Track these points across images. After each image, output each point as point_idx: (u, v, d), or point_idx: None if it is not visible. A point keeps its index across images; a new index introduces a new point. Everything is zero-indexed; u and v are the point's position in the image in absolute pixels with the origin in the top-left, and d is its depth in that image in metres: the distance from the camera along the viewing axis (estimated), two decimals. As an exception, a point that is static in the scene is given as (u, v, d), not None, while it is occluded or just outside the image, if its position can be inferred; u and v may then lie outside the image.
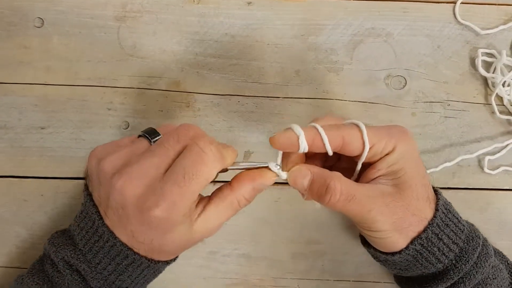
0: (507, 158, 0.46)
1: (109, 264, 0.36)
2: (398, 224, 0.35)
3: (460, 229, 0.37)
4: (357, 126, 0.35)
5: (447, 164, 0.46)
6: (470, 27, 0.47)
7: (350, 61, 0.47)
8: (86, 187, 0.37)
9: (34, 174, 0.46)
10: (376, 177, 0.36)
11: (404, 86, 0.47)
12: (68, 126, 0.46)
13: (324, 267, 0.46)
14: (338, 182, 0.34)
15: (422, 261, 0.36)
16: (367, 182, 0.36)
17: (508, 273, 0.39)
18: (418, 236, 0.35)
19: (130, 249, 0.35)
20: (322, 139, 0.34)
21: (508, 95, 0.46)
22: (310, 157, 0.38)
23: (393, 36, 0.47)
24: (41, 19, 0.47)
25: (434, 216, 0.36)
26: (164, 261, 0.37)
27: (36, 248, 0.46)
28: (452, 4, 0.47)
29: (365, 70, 0.47)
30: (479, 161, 0.46)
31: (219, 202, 0.36)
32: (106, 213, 0.35)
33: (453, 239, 0.36)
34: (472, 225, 0.39)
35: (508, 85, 0.46)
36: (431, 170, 0.46)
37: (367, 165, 0.37)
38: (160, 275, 0.40)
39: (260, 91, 0.47)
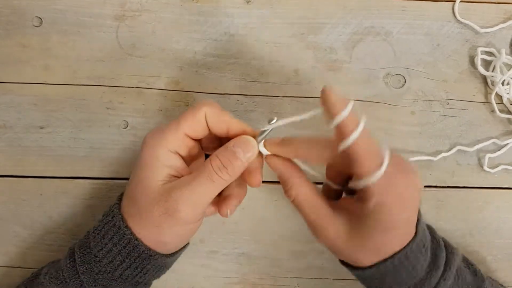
0: (506, 156, 0.46)
1: (97, 230, 0.37)
2: (332, 251, 0.36)
3: (412, 275, 0.35)
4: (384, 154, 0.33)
5: (445, 154, 0.46)
6: (470, 26, 0.47)
7: (349, 59, 0.47)
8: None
9: (33, 173, 0.46)
10: (345, 207, 0.36)
11: (403, 85, 0.47)
12: (67, 125, 0.46)
13: (324, 265, 0.46)
14: (294, 190, 0.36)
15: (365, 283, 0.38)
16: (339, 204, 0.36)
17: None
18: (355, 267, 0.36)
19: (133, 234, 0.36)
20: (352, 131, 0.32)
21: (508, 93, 0.46)
22: (332, 173, 0.38)
23: (392, 34, 0.47)
24: (40, 18, 0.47)
25: (380, 262, 0.34)
26: (145, 245, 0.36)
27: (35, 247, 0.46)
28: (452, 3, 0.47)
29: (364, 68, 0.47)
30: (479, 159, 0.46)
31: (195, 171, 0.35)
32: (128, 190, 0.37)
33: (399, 281, 0.36)
34: (437, 267, 0.36)
35: (508, 84, 0.46)
36: (428, 158, 0.46)
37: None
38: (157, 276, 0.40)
39: (259, 90, 0.47)
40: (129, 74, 0.47)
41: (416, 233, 0.35)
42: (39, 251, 0.46)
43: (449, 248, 0.38)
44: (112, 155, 0.46)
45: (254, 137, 0.36)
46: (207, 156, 0.40)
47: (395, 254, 0.34)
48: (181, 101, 0.47)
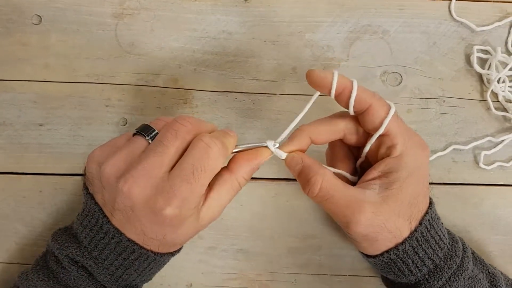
0: (502, 153, 0.47)
1: (116, 260, 0.36)
2: (371, 236, 0.35)
3: (440, 247, 0.37)
4: (389, 107, 0.36)
5: (440, 153, 0.46)
6: (466, 24, 0.47)
7: (346, 57, 0.47)
8: (86, 187, 0.37)
9: (32, 170, 0.46)
10: (371, 179, 0.36)
11: (400, 83, 0.47)
12: (66, 122, 0.47)
13: (321, 261, 0.46)
14: (320, 178, 0.35)
15: (395, 269, 0.37)
16: (363, 182, 0.37)
17: (488, 282, 0.39)
18: (388, 250, 0.36)
19: (136, 244, 0.35)
20: (351, 92, 0.35)
21: (503, 91, 0.46)
22: (336, 159, 0.40)
23: (389, 33, 0.47)
24: (39, 16, 0.47)
25: (415, 230, 0.36)
26: (170, 253, 0.38)
27: (35, 244, 0.46)
28: (448, 1, 0.48)
29: (361, 66, 0.47)
30: (475, 156, 0.47)
31: (220, 187, 0.36)
32: (113, 214, 0.35)
33: (430, 255, 0.36)
34: (457, 241, 0.39)
35: (503, 82, 0.46)
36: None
37: (368, 166, 0.37)
38: (159, 270, 0.41)
39: (257, 88, 0.47)
40: (128, 72, 0.47)
41: (430, 199, 0.38)
42: (38, 247, 0.46)
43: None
44: (111, 152, 0.47)
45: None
46: None
47: (424, 215, 0.36)
48: (180, 99, 0.47)
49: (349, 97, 0.35)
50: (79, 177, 0.47)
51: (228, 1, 0.47)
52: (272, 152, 0.37)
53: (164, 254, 0.37)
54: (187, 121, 0.35)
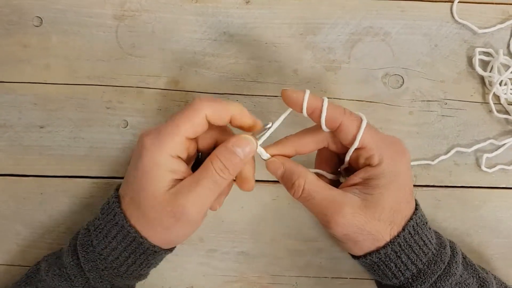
0: (504, 156, 0.47)
1: (99, 222, 0.38)
2: (351, 236, 0.36)
3: (424, 252, 0.37)
4: (360, 121, 0.36)
5: (444, 157, 0.46)
6: (468, 26, 0.47)
7: (348, 60, 0.47)
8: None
9: (33, 172, 0.46)
10: (353, 184, 0.37)
11: (401, 85, 0.47)
12: (67, 124, 0.47)
13: (322, 264, 0.46)
14: (303, 181, 0.37)
15: (378, 272, 0.38)
16: (345, 187, 0.37)
17: (478, 287, 0.39)
18: (370, 253, 0.37)
19: (119, 203, 0.37)
20: (321, 111, 0.36)
21: (505, 94, 0.46)
22: (322, 162, 0.41)
23: (390, 35, 0.47)
24: (40, 18, 0.47)
25: (398, 236, 0.36)
26: (150, 243, 0.37)
27: (36, 246, 0.46)
28: (450, 3, 0.47)
29: (362, 69, 0.47)
30: (477, 159, 0.47)
31: (196, 171, 0.36)
32: (131, 194, 0.37)
33: (413, 260, 0.36)
34: (445, 246, 0.38)
35: (505, 84, 0.46)
36: (427, 162, 0.46)
37: (353, 170, 0.38)
38: (160, 272, 0.41)
39: (258, 90, 0.47)
40: (129, 73, 0.47)
41: (416, 205, 0.38)
42: (39, 249, 0.46)
43: (448, 239, 0.40)
44: (112, 154, 0.47)
45: (252, 127, 0.38)
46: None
47: (408, 221, 0.37)
48: (181, 101, 0.47)
49: (320, 117, 0.36)
50: (80, 179, 0.47)
51: (229, 3, 0.47)
52: (253, 143, 0.37)
53: (142, 237, 0.36)
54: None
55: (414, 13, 0.47)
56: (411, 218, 0.37)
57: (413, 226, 0.37)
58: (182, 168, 0.36)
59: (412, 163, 0.46)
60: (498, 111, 0.46)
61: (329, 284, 0.46)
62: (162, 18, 0.47)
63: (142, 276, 0.40)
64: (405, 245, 0.36)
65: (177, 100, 0.47)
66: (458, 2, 0.47)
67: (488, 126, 0.47)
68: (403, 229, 0.36)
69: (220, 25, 0.47)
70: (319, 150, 0.41)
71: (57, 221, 0.46)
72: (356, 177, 0.37)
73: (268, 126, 0.37)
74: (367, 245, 0.37)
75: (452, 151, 0.46)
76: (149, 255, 0.38)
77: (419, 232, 0.37)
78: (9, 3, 0.47)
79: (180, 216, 0.35)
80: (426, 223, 0.38)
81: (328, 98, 0.46)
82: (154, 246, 0.37)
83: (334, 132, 0.37)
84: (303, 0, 0.47)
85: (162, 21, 0.47)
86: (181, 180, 0.36)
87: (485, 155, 0.46)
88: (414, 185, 0.46)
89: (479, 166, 0.47)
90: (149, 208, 0.36)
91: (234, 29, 0.47)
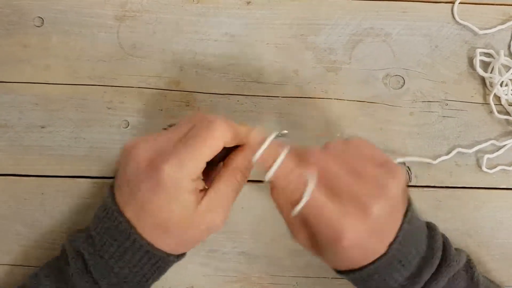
0: (505, 157, 0.47)
1: (111, 246, 0.36)
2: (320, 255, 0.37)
3: (407, 269, 0.35)
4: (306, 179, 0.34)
5: (445, 157, 0.46)
6: (468, 27, 0.47)
7: (348, 60, 0.47)
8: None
9: (34, 172, 0.46)
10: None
11: (402, 86, 0.47)
12: (68, 125, 0.47)
13: (322, 264, 0.46)
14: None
15: (360, 286, 0.37)
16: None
17: None
18: (351, 271, 0.36)
19: (132, 227, 0.35)
20: (271, 166, 0.35)
21: (506, 95, 0.46)
22: None
23: (391, 36, 0.47)
24: (41, 18, 0.47)
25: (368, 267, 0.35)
26: (164, 252, 0.37)
27: (37, 246, 0.46)
28: (451, 4, 0.47)
29: (363, 69, 0.47)
30: (477, 160, 0.47)
31: (216, 182, 0.36)
32: (120, 187, 0.36)
33: (395, 277, 0.35)
34: (432, 256, 0.36)
35: (506, 85, 0.46)
36: (428, 160, 0.46)
37: None
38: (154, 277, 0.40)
39: (259, 91, 0.47)
40: (130, 74, 0.47)
41: (386, 251, 0.34)
42: (40, 249, 0.46)
43: (448, 260, 0.36)
44: (112, 154, 0.47)
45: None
46: None
47: (363, 267, 0.35)
48: (182, 101, 0.47)
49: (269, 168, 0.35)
50: (81, 179, 0.47)
51: (230, 4, 0.47)
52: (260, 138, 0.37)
53: (157, 249, 0.36)
54: (206, 113, 0.37)
55: (415, 14, 0.47)
56: (397, 235, 0.35)
57: (400, 242, 0.35)
58: (200, 184, 0.36)
59: (413, 160, 0.46)
60: (499, 112, 0.46)
61: (329, 285, 0.46)
62: (163, 18, 0.47)
63: (151, 284, 0.40)
64: (364, 280, 0.36)
65: (178, 101, 0.47)
66: (459, 3, 0.47)
67: (489, 127, 0.47)
68: (355, 271, 0.35)
69: (221, 25, 0.47)
70: None
71: (58, 221, 0.46)
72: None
73: (284, 132, 0.38)
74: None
75: (453, 152, 0.46)
76: (166, 265, 0.38)
77: (403, 248, 0.35)
78: (10, 3, 0.47)
79: (213, 230, 0.36)
80: (412, 237, 0.36)
81: (329, 99, 0.47)
82: (169, 255, 0.37)
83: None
84: (304, 1, 0.47)
85: (163, 21, 0.47)
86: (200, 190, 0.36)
87: (486, 156, 0.46)
88: (415, 186, 0.47)
89: (479, 167, 0.47)
90: (183, 231, 0.36)
91: (235, 29, 0.47)
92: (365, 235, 0.33)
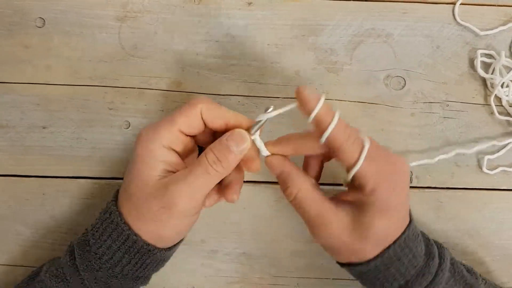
0: (505, 158, 0.47)
1: (97, 230, 0.38)
2: (335, 249, 0.37)
3: (413, 265, 0.36)
4: (361, 148, 0.35)
5: (443, 156, 0.46)
6: (470, 28, 0.47)
7: (350, 61, 0.47)
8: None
9: (35, 173, 0.46)
10: (345, 200, 0.37)
11: (403, 87, 0.47)
12: (69, 125, 0.47)
13: (324, 265, 0.46)
14: (296, 191, 0.36)
15: (365, 281, 0.38)
16: (338, 199, 0.37)
17: None
18: (355, 265, 0.37)
19: (117, 210, 0.37)
20: (328, 124, 0.34)
21: (507, 96, 0.46)
22: (307, 168, 0.40)
23: (393, 36, 0.47)
24: (42, 18, 0.47)
25: (381, 255, 0.36)
26: (144, 241, 0.36)
27: (38, 246, 0.46)
28: (452, 5, 0.47)
29: (364, 70, 0.47)
30: (478, 161, 0.47)
31: (190, 165, 0.36)
32: (121, 191, 0.37)
33: (402, 272, 0.36)
34: (433, 258, 0.38)
35: (507, 86, 0.46)
36: (426, 161, 0.46)
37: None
38: (162, 273, 0.40)
39: (260, 91, 0.47)
40: (131, 74, 0.47)
41: (410, 220, 0.37)
42: (41, 249, 0.46)
43: (438, 244, 0.40)
44: (113, 155, 0.47)
45: (250, 128, 0.37)
46: (201, 150, 0.41)
47: (395, 240, 0.36)
48: (183, 102, 0.47)
49: (324, 131, 0.35)
50: (82, 180, 0.47)
51: (231, 4, 0.47)
52: (251, 143, 0.37)
53: (136, 234, 0.36)
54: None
55: (416, 15, 0.47)
56: (399, 237, 0.36)
57: (404, 239, 0.36)
58: (174, 159, 0.36)
59: (412, 164, 0.46)
60: (499, 113, 0.46)
61: (330, 285, 0.46)
62: (164, 19, 0.47)
63: (140, 278, 0.39)
64: (395, 258, 0.36)
65: (179, 101, 0.47)
66: (460, 4, 0.47)
67: (489, 128, 0.47)
68: (394, 243, 0.36)
69: (222, 26, 0.47)
70: (306, 157, 0.41)
71: (58, 222, 0.46)
72: (349, 196, 0.37)
73: (269, 110, 0.36)
74: (349, 258, 0.37)
75: (452, 153, 0.46)
76: (143, 254, 0.37)
77: (410, 245, 0.36)
78: (11, 4, 0.47)
79: (171, 206, 0.35)
80: (418, 235, 0.38)
81: (330, 99, 0.47)
82: (148, 244, 0.37)
83: (331, 150, 0.36)
84: (305, 2, 0.47)
85: (164, 22, 0.47)
86: (174, 172, 0.36)
87: (487, 157, 0.46)
88: (416, 187, 0.47)
89: (480, 168, 0.47)
90: (139, 197, 0.35)
91: (236, 30, 0.47)
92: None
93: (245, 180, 0.46)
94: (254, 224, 0.47)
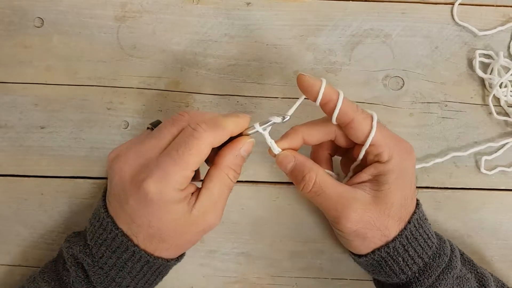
0: (503, 158, 0.47)
1: (110, 258, 0.36)
2: (361, 232, 0.36)
3: (429, 245, 0.38)
4: (372, 119, 0.37)
5: (439, 160, 0.46)
6: (468, 28, 0.47)
7: (348, 61, 0.47)
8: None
9: (34, 173, 0.46)
10: (362, 182, 0.38)
11: (402, 87, 0.47)
12: (68, 125, 0.47)
13: (322, 265, 0.46)
14: (314, 175, 0.37)
15: (386, 269, 0.38)
16: (353, 184, 0.38)
17: (476, 282, 0.39)
18: (379, 248, 0.37)
19: (130, 240, 0.35)
20: (337, 100, 0.36)
21: (505, 96, 0.46)
22: (316, 161, 0.40)
23: (391, 37, 0.47)
24: (41, 18, 0.47)
25: (405, 229, 0.37)
26: (164, 259, 0.37)
27: (37, 247, 0.46)
28: (450, 6, 0.47)
29: (363, 70, 0.47)
30: (476, 161, 0.47)
31: (209, 182, 0.36)
32: (109, 200, 0.36)
33: (419, 253, 0.37)
34: (444, 241, 0.39)
35: (505, 86, 0.46)
36: (421, 165, 0.46)
37: (360, 168, 0.38)
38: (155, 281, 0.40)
39: (259, 91, 0.47)
40: (130, 74, 0.47)
41: (417, 201, 0.39)
42: (40, 250, 0.46)
43: (439, 234, 0.41)
44: (112, 155, 0.47)
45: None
46: None
47: (412, 215, 0.38)
48: (181, 102, 0.47)
49: (333, 109, 0.36)
50: (80, 180, 0.47)
51: (230, 5, 0.47)
52: (250, 136, 0.38)
53: (157, 258, 0.36)
54: (186, 112, 0.37)
55: (415, 15, 0.47)
56: (414, 212, 0.38)
57: (417, 220, 0.38)
58: (191, 189, 0.36)
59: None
60: (498, 113, 0.46)
61: (329, 285, 0.46)
62: (163, 19, 0.47)
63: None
64: (411, 238, 0.37)
65: (177, 101, 0.47)
66: (458, 5, 0.47)
67: (488, 128, 0.47)
68: (409, 222, 0.37)
69: (221, 26, 0.47)
70: (315, 151, 0.42)
71: (58, 222, 0.46)
72: (365, 174, 0.37)
73: (286, 119, 0.38)
74: (375, 242, 0.37)
75: (449, 155, 0.46)
76: (162, 270, 0.38)
77: (423, 226, 0.38)
78: (11, 4, 0.47)
79: (210, 229, 0.37)
80: (426, 218, 0.39)
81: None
82: (168, 260, 0.38)
83: (344, 127, 0.38)
84: (304, 2, 0.47)
85: (163, 22, 0.47)
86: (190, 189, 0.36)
87: (485, 157, 0.46)
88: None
89: (478, 168, 0.47)
90: (179, 237, 0.36)
91: (235, 30, 0.47)
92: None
93: (244, 180, 0.46)
94: (253, 224, 0.47)
